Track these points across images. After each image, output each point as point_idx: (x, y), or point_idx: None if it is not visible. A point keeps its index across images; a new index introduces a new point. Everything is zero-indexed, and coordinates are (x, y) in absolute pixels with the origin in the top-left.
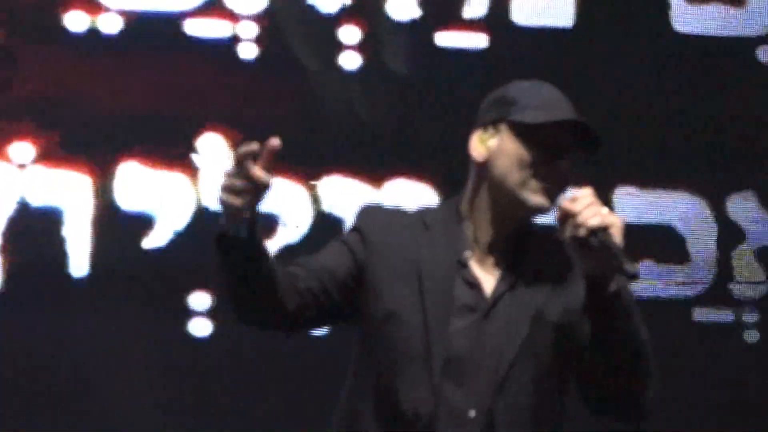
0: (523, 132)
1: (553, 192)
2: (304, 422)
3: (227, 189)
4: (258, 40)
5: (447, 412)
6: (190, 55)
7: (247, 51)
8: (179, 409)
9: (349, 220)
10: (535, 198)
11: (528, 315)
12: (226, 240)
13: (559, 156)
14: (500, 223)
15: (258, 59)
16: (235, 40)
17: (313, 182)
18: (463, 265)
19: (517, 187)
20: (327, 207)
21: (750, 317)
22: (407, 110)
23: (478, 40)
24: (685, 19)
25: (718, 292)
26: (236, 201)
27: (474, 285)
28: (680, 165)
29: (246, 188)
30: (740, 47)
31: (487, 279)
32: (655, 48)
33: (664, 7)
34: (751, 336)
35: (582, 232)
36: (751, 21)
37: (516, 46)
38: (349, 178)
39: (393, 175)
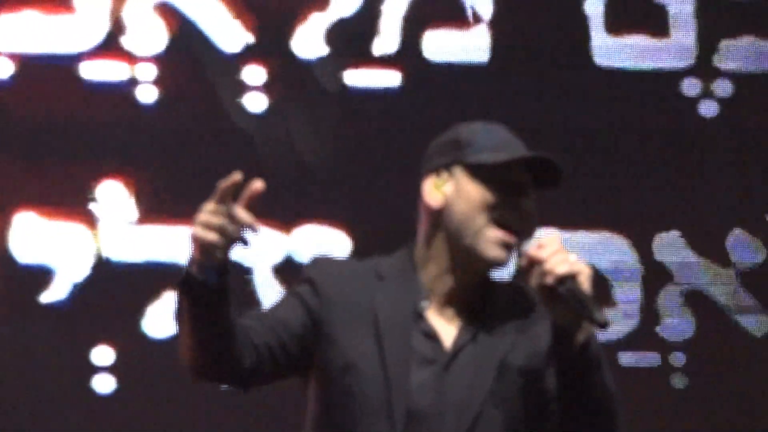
0: (480, 174)
1: (523, 233)
2: None
3: (204, 224)
4: (157, 82)
5: None
6: (86, 99)
7: (146, 94)
8: None
9: (256, 267)
10: (492, 251)
11: (492, 364)
12: (191, 285)
13: (521, 194)
14: (458, 273)
15: (158, 102)
16: (132, 82)
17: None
18: (420, 315)
19: (473, 237)
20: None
21: (678, 360)
22: (316, 153)
23: (391, 78)
24: (606, 52)
25: (644, 335)
26: (213, 238)
27: (432, 336)
28: (603, 204)
29: (224, 227)
30: (664, 80)
31: (447, 330)
32: (576, 82)
33: (584, 40)
34: (678, 380)
35: (549, 280)
36: (675, 53)
37: (430, 83)
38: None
39: (303, 221)
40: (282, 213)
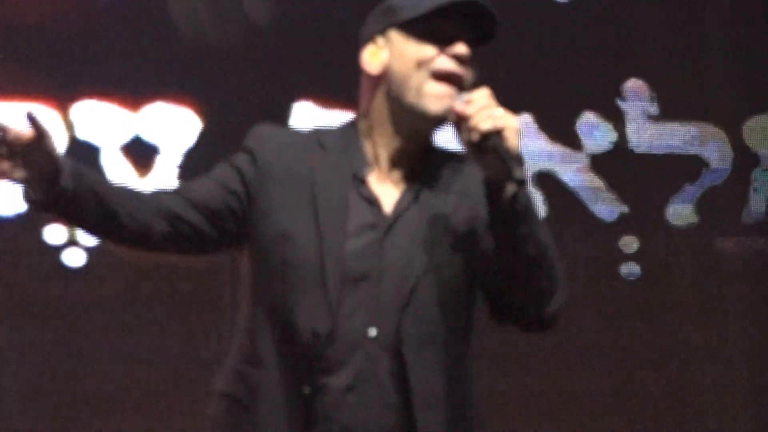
0: (414, 32)
1: (462, 81)
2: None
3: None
4: None
5: (345, 332)
6: None
7: None
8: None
9: (103, 146)
10: (434, 105)
11: (433, 228)
12: (36, 206)
13: (451, 41)
14: (401, 138)
15: None
16: None
17: None
18: (361, 181)
19: (416, 95)
20: (80, 133)
21: None
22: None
23: None
24: None
25: None
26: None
27: (372, 202)
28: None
29: (7, 172)
30: None
31: (389, 195)
32: None
33: None
34: None
35: (475, 137)
36: None
37: None
38: (104, 102)
39: (151, 99)
40: (130, 92)
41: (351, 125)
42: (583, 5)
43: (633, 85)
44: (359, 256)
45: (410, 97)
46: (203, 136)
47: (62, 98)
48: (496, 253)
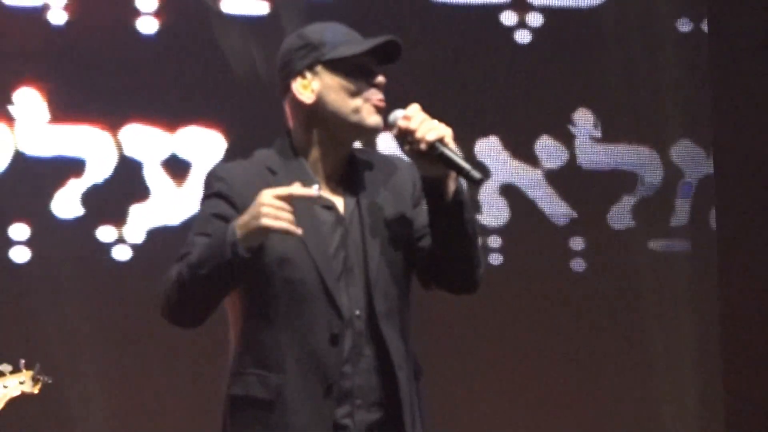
0: (340, 66)
1: (381, 110)
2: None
3: (275, 216)
4: (67, 8)
5: (347, 320)
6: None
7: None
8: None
9: (146, 161)
10: (371, 120)
11: (377, 219)
12: (236, 259)
13: (374, 74)
14: (335, 152)
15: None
16: (45, 8)
17: None
18: (317, 198)
19: (352, 115)
20: (128, 151)
21: (494, 242)
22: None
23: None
24: None
25: None
26: (280, 225)
27: (330, 207)
28: (437, 111)
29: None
30: (486, 12)
31: (337, 199)
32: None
33: None
34: (495, 258)
35: (423, 147)
36: None
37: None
38: (147, 125)
39: (185, 123)
40: (168, 116)
41: (285, 146)
42: (539, 48)
43: (581, 113)
44: (337, 256)
45: (351, 117)
46: (227, 153)
47: (113, 122)
48: (439, 234)
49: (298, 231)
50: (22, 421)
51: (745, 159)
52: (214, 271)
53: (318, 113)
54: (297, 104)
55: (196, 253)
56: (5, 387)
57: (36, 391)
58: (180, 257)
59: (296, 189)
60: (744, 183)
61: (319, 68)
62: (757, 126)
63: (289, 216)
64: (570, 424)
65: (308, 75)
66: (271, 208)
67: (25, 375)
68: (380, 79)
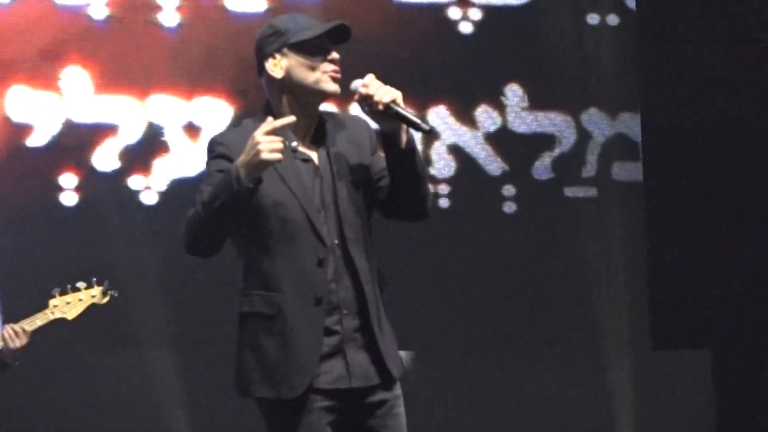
0: (303, 47)
1: (337, 79)
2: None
3: (271, 149)
4: (106, 5)
5: (329, 247)
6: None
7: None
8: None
9: (168, 127)
10: (330, 87)
11: (343, 166)
12: (241, 189)
13: (330, 52)
14: (305, 114)
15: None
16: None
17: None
18: (295, 150)
19: (315, 84)
20: (153, 117)
21: (443, 190)
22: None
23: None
24: None
25: None
26: (277, 157)
27: (307, 160)
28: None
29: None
30: (436, 9)
31: (312, 154)
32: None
33: None
34: (443, 203)
35: (381, 107)
36: None
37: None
38: (169, 95)
39: (200, 94)
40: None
41: (264, 114)
42: (479, 36)
43: (511, 87)
44: (317, 197)
45: (313, 86)
46: (232, 119)
47: (141, 93)
48: (396, 175)
49: (280, 156)
50: (94, 324)
51: (671, 125)
52: (226, 202)
53: (287, 85)
54: (271, 79)
55: (208, 192)
56: (81, 300)
57: (105, 301)
58: (195, 202)
59: (275, 122)
60: (668, 145)
61: (285, 50)
62: (681, 95)
63: (280, 146)
64: (508, 333)
65: (277, 56)
66: (265, 143)
67: (96, 290)
68: (334, 55)
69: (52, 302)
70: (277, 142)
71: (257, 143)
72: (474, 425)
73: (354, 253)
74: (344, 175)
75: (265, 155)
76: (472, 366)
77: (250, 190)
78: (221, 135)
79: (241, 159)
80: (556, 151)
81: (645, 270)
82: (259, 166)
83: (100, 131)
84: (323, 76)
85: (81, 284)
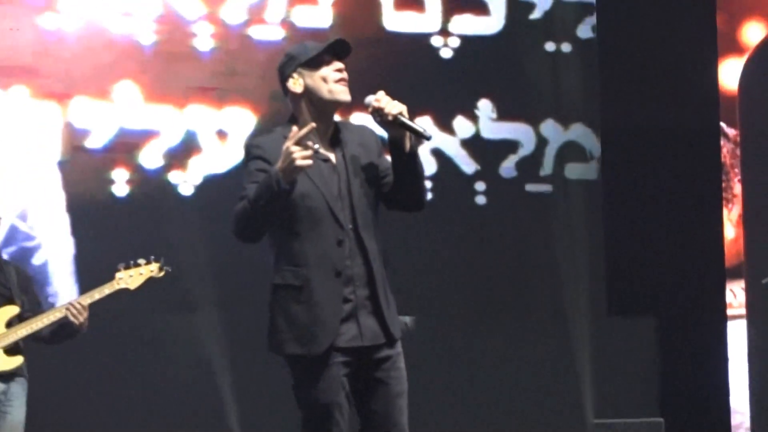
0: (314, 65)
1: (346, 84)
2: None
3: (302, 156)
4: (151, 33)
5: (346, 230)
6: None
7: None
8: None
9: (201, 131)
10: (342, 97)
11: (356, 166)
12: (281, 190)
13: (334, 63)
14: (323, 122)
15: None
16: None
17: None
18: (317, 152)
19: (330, 95)
20: (189, 123)
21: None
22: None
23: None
24: (393, 22)
25: None
26: (309, 163)
27: (327, 160)
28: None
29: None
30: (420, 38)
31: (330, 155)
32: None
33: (378, 15)
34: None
35: (389, 118)
36: (428, 23)
37: None
38: (202, 105)
39: (229, 104)
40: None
41: (290, 123)
42: (457, 60)
43: (483, 102)
44: (335, 190)
45: (327, 96)
46: (256, 126)
47: (180, 103)
48: (397, 174)
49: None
50: (152, 297)
51: (624, 131)
52: (268, 201)
53: (307, 97)
54: (293, 95)
55: (253, 192)
56: (141, 274)
57: (161, 275)
58: (241, 197)
59: (300, 132)
60: (621, 147)
61: (300, 69)
62: (633, 105)
63: (308, 153)
64: (478, 301)
65: (295, 75)
66: (297, 152)
67: (155, 265)
68: (339, 64)
69: (117, 275)
70: (306, 151)
71: (291, 153)
72: (462, 377)
73: (364, 236)
74: (357, 173)
75: (299, 162)
76: (459, 329)
77: (287, 191)
78: (257, 140)
79: (279, 165)
80: (519, 154)
81: (602, 250)
82: (294, 171)
83: (146, 135)
84: (335, 86)
85: (141, 260)
